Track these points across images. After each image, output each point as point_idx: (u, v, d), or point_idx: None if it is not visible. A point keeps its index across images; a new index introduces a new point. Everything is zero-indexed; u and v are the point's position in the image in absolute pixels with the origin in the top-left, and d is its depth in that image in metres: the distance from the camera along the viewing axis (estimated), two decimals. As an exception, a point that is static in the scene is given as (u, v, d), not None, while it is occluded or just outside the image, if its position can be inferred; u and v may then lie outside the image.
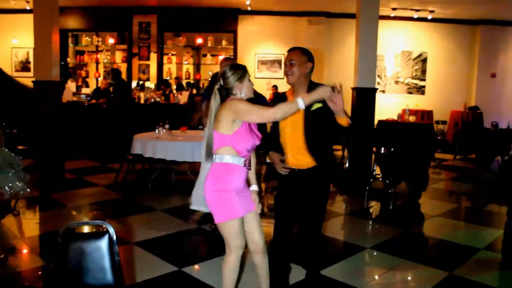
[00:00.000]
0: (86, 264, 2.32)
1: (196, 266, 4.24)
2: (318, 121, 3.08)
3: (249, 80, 2.92)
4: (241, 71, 2.89)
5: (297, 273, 3.67)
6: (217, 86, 2.93)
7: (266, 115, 2.71)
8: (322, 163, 3.14)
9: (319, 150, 3.14)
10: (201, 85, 12.18)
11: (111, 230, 2.34)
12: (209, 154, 2.97)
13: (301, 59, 3.17)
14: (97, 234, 2.35)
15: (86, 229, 4.17)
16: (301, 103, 2.66)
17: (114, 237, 2.35)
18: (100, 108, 9.54)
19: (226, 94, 2.89)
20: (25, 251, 4.55)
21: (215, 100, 2.91)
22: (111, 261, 2.33)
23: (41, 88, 6.98)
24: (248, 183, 3.07)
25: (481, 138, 9.90)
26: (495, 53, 12.64)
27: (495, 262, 4.46)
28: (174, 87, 11.74)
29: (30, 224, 5.49)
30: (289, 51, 3.26)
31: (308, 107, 2.88)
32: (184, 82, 12.18)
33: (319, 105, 3.03)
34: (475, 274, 4.10)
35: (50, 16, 6.95)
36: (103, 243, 2.33)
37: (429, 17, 11.65)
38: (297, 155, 3.16)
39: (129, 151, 6.89)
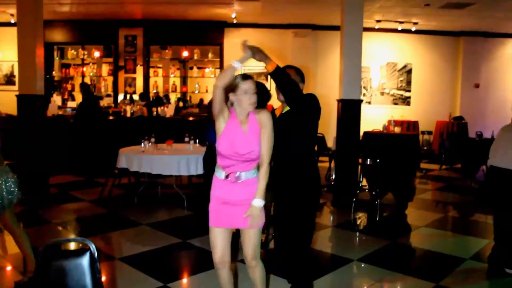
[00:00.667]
0: (66, 282, 2.27)
1: (182, 282, 4.20)
2: (285, 125, 3.16)
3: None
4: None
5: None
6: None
7: (213, 91, 2.77)
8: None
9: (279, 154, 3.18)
10: (187, 98, 12.16)
11: (92, 247, 2.31)
12: None
13: (295, 78, 3.18)
14: (78, 251, 2.32)
15: (72, 245, 4.11)
16: (234, 62, 2.73)
17: (95, 254, 2.32)
18: (86, 122, 9.46)
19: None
20: (8, 268, 4.46)
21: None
22: (92, 278, 2.29)
23: (25, 102, 6.92)
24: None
25: (466, 148, 9.99)
26: (478, 64, 12.83)
27: (481, 271, 4.47)
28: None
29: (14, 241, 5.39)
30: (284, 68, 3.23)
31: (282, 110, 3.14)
32: (164, 95, 12.09)
33: (287, 108, 3.15)
34: (461, 284, 4.12)
35: (34, 29, 6.90)
36: (84, 260, 2.29)
37: (413, 29, 11.79)
38: None
39: (115, 165, 6.84)
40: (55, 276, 2.27)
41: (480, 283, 4.27)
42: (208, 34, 11.85)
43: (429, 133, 12.45)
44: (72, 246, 3.96)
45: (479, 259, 4.77)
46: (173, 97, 12.29)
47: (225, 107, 2.83)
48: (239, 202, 2.90)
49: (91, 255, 2.31)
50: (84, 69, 12.02)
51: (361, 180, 7.30)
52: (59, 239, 2.33)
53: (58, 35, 11.71)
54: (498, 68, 13.10)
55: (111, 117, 9.65)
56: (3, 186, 3.75)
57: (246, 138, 2.86)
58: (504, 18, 10.82)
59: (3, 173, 3.79)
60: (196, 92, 12.06)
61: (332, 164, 8.37)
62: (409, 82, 12.86)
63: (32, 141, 6.98)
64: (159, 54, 12.11)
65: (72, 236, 5.51)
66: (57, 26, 11.52)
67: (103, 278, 4.26)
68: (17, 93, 7.07)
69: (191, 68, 12.62)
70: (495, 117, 12.53)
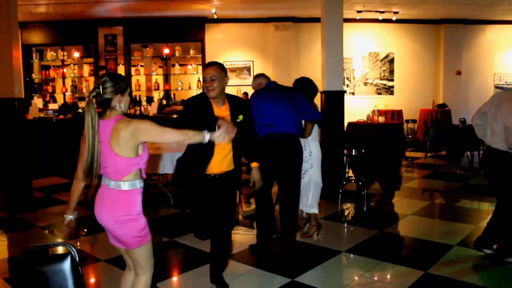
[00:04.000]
0: (48, 288, 2.22)
1: (171, 280, 4.16)
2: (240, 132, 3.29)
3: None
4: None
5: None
6: None
7: None
8: (238, 167, 3.58)
9: (239, 157, 3.56)
10: (171, 95, 12.05)
11: (73, 251, 2.25)
12: None
13: (220, 74, 3.39)
14: (58, 256, 2.26)
15: (53, 249, 4.03)
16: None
17: (77, 258, 2.26)
18: (68, 123, 9.34)
19: None
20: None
21: None
22: (75, 283, 2.24)
23: (4, 106, 6.78)
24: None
25: (451, 135, 10.07)
26: (459, 51, 12.93)
27: (468, 257, 4.49)
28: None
29: None
30: (208, 66, 3.44)
31: (234, 119, 3.34)
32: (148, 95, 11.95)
33: (241, 117, 3.44)
34: (449, 271, 4.13)
35: (9, 32, 6.73)
36: (65, 265, 2.23)
37: (394, 18, 11.80)
38: (223, 161, 3.45)
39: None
40: (36, 283, 2.21)
41: (467, 269, 4.29)
42: (189, 31, 11.76)
43: (413, 121, 12.53)
44: (53, 250, 3.89)
45: (466, 245, 4.79)
46: (156, 95, 12.18)
47: None
48: None
49: (72, 259, 2.25)
50: (65, 70, 11.84)
51: (347, 171, 7.31)
52: (38, 244, 2.26)
53: (36, 37, 11.52)
54: (479, 54, 13.23)
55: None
56: None
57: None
58: (483, 5, 10.90)
59: None
60: (180, 89, 11.97)
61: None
62: (392, 72, 12.90)
63: (12, 145, 6.85)
64: (140, 53, 11.98)
65: (57, 240, 5.45)
66: (35, 28, 11.35)
67: (92, 280, 4.21)
68: (-5, 97, 6.92)
69: (173, 65, 12.49)
70: (478, 103, 12.43)
